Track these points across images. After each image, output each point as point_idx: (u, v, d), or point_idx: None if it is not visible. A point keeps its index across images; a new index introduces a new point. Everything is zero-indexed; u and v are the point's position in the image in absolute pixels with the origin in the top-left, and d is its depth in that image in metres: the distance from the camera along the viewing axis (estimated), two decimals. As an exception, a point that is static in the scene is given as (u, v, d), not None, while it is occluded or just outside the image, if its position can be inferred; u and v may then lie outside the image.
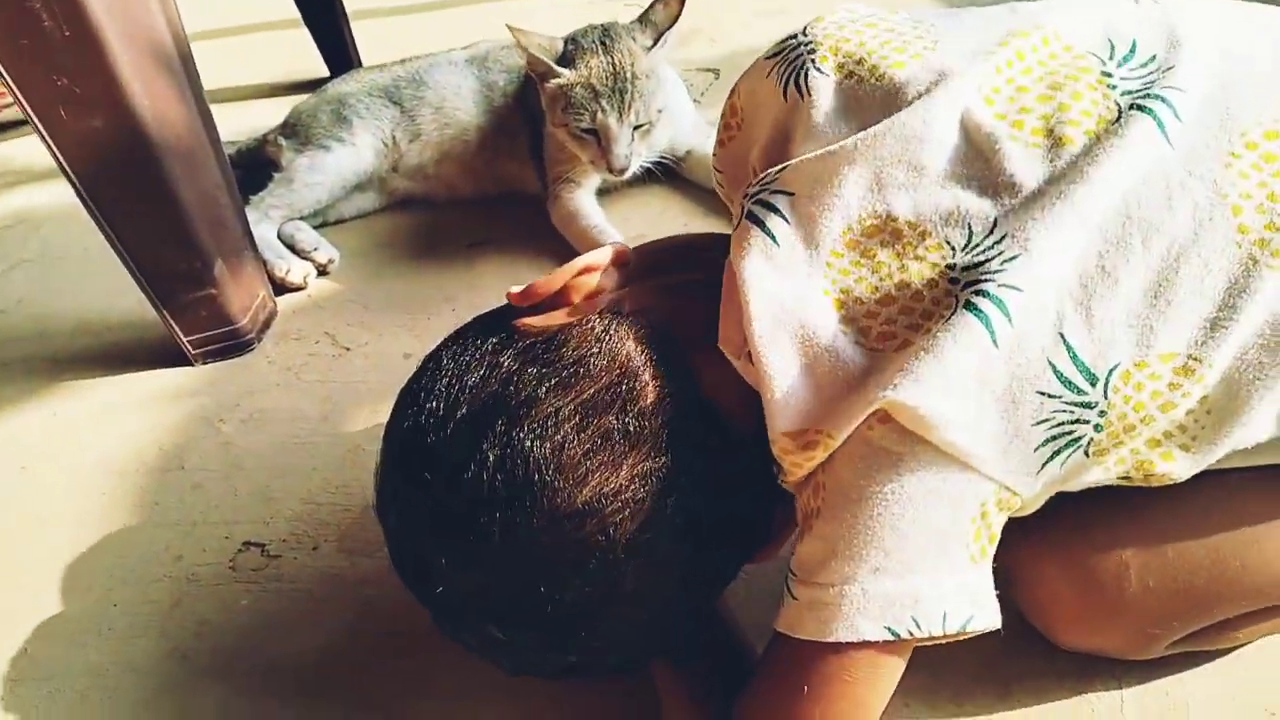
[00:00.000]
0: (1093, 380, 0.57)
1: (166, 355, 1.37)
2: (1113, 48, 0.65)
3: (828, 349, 0.61)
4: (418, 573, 0.70)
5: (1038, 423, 0.57)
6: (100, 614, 1.03)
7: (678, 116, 1.56)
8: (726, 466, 0.68)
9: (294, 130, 1.66)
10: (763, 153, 0.73)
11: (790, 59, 0.71)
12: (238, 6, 2.56)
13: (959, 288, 0.58)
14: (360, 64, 2.14)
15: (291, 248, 1.57)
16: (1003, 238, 0.58)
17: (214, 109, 1.37)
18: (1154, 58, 0.64)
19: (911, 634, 0.59)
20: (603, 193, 1.61)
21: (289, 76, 2.25)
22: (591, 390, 0.65)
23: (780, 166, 0.66)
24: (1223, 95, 0.62)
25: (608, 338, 0.67)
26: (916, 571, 0.59)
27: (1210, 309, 0.57)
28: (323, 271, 1.55)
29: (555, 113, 1.42)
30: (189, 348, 1.36)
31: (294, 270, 1.50)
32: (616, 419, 0.64)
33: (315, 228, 1.65)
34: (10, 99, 1.14)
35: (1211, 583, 0.67)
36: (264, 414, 1.27)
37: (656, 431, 0.65)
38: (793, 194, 0.65)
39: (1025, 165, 0.61)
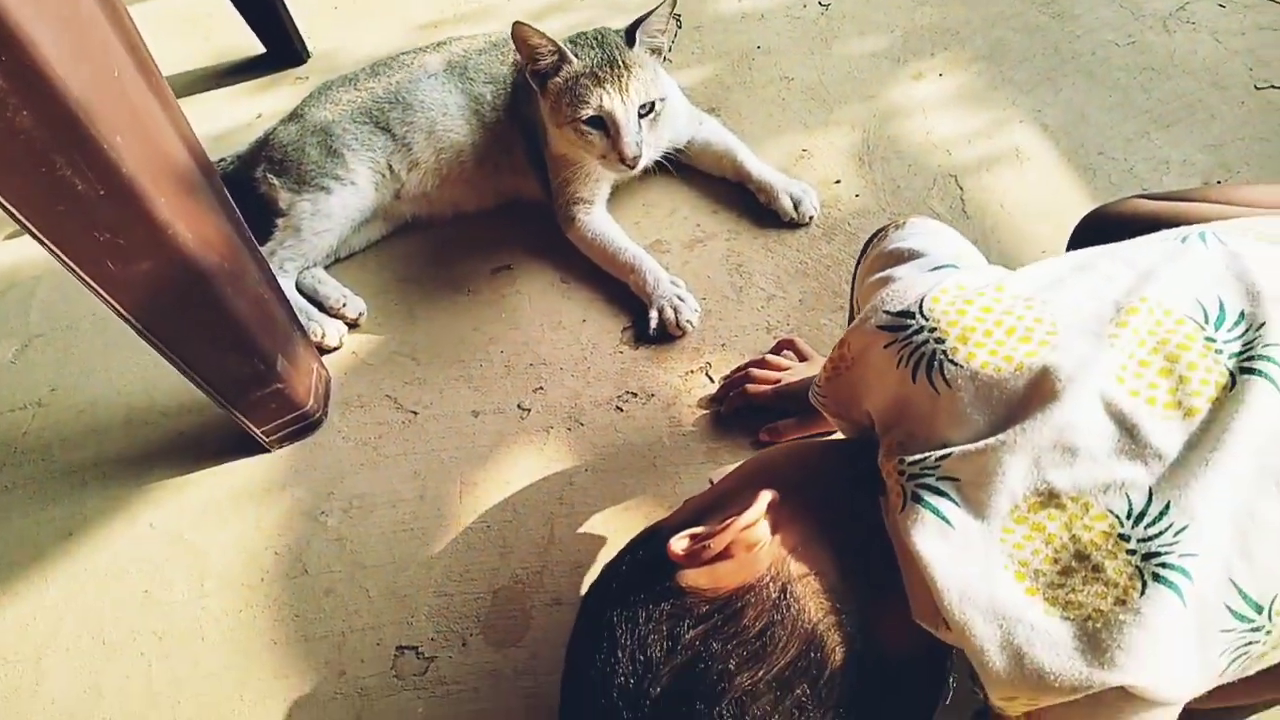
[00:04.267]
0: (1259, 609, 0.67)
1: (236, 440, 1.43)
2: (1205, 312, 0.73)
3: (1018, 619, 0.68)
4: None
5: (1221, 654, 0.68)
6: (294, 742, 1.16)
7: (675, 112, 1.59)
8: (905, 696, 0.78)
9: (282, 166, 1.64)
10: (886, 411, 0.80)
11: (915, 345, 0.76)
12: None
13: (1138, 559, 0.67)
14: (297, 32, 2.10)
15: (315, 300, 1.60)
16: (1166, 507, 0.67)
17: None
18: (1242, 315, 0.73)
19: None
20: (610, 200, 1.66)
21: (221, 58, 2.16)
22: (782, 663, 0.70)
23: (940, 454, 0.73)
24: None
25: (786, 605, 0.73)
26: None
27: None
28: (353, 325, 1.60)
29: (560, 111, 1.43)
30: (262, 437, 1.42)
31: (329, 334, 1.54)
32: (809, 687, 0.70)
33: (327, 267, 1.68)
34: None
35: None
36: (362, 501, 1.36)
37: (845, 691, 0.71)
38: (958, 480, 0.72)
39: (1165, 436, 0.69)
